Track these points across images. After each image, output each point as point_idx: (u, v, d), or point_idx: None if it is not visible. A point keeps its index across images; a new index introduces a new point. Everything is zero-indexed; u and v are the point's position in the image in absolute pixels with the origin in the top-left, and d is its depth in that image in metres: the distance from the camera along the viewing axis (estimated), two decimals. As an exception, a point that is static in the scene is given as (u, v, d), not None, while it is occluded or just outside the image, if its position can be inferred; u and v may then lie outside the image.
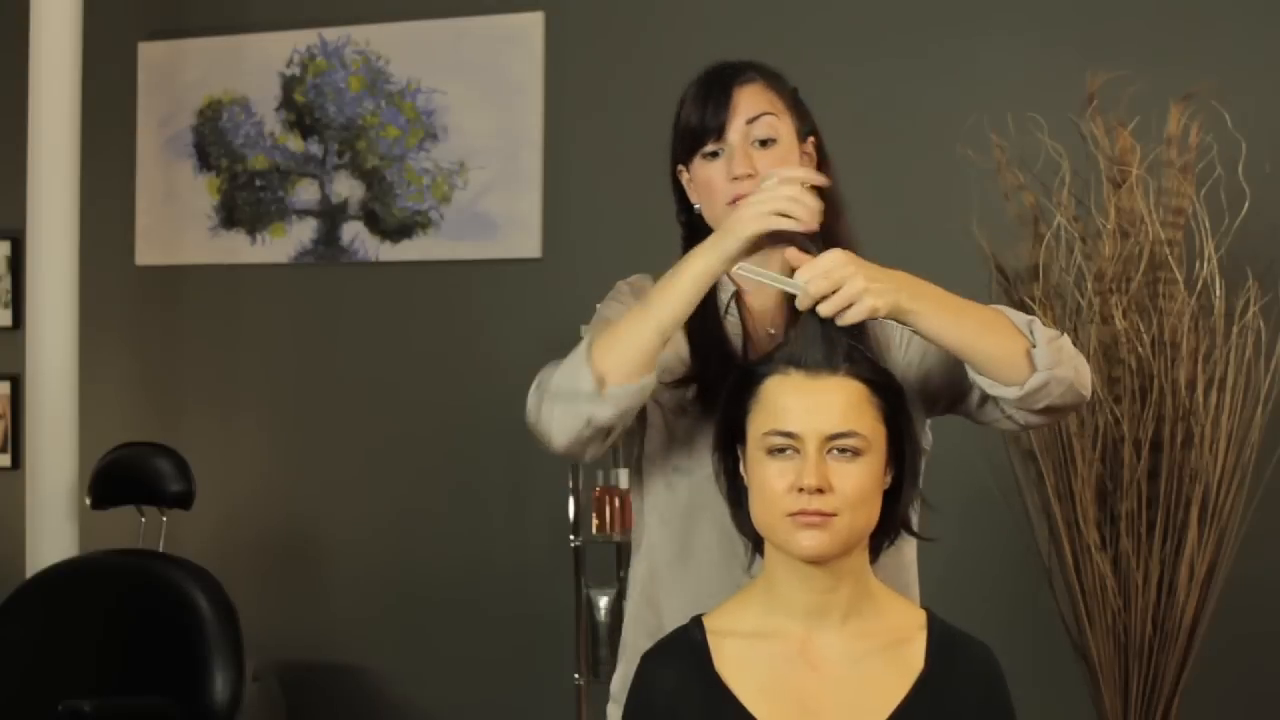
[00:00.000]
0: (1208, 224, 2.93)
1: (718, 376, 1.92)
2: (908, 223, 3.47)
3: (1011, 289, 3.04)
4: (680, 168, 2.06)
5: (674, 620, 1.88)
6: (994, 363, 1.85)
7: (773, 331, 2.02)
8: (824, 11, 3.64)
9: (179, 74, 4.19)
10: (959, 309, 1.85)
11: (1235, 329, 2.91)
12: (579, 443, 1.88)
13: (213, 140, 4.16)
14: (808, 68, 3.73)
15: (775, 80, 2.05)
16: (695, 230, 2.06)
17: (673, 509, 2.02)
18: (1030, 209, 3.04)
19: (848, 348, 1.75)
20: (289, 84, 4.09)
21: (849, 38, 3.62)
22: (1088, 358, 2.91)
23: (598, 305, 2.10)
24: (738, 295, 2.05)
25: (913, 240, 3.42)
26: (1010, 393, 1.85)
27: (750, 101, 2.01)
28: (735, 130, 1.99)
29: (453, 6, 3.94)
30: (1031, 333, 1.88)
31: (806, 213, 1.82)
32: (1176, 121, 2.95)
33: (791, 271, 1.80)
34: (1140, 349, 2.88)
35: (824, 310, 1.75)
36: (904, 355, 2.02)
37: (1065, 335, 1.93)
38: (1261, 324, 2.92)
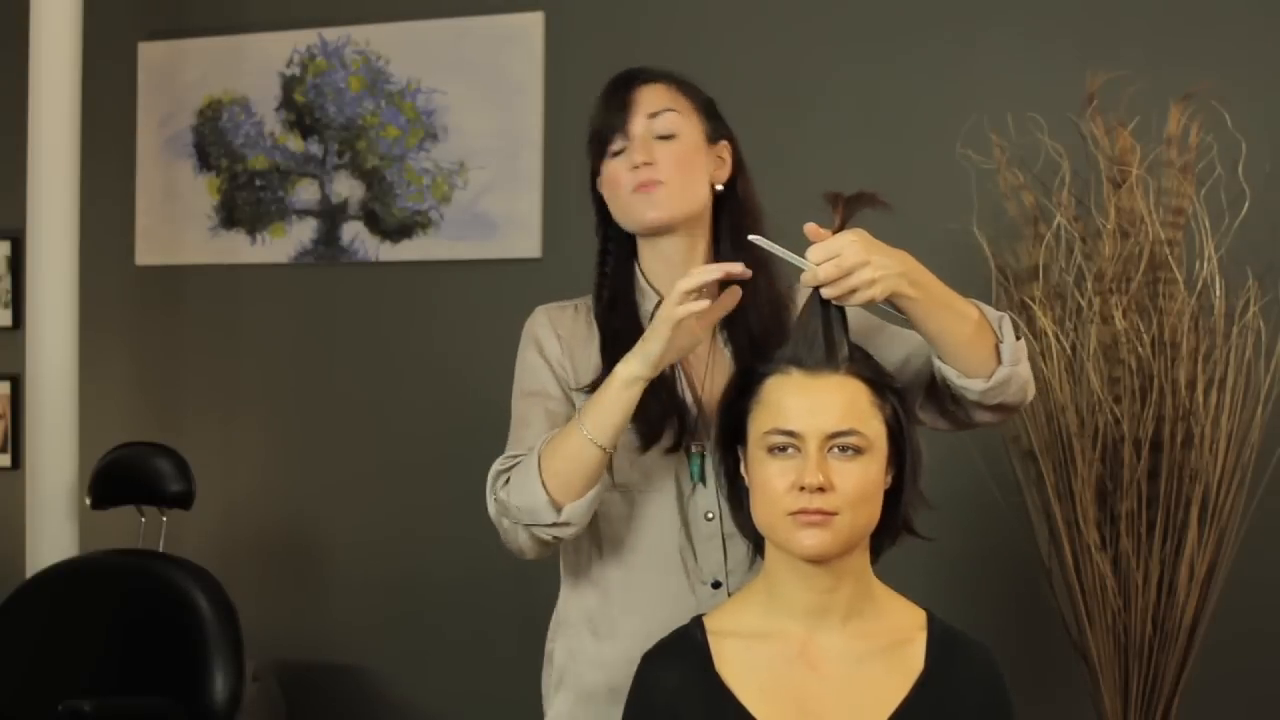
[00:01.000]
0: (1208, 224, 2.93)
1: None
2: (908, 223, 3.46)
3: (1011, 289, 3.04)
4: (598, 179, 2.10)
5: (626, 644, 1.93)
6: (967, 355, 1.88)
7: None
8: (823, 11, 3.64)
9: (179, 74, 4.19)
10: (948, 299, 1.88)
11: (1235, 329, 2.91)
12: (549, 550, 2.06)
13: (213, 140, 4.15)
14: (807, 67, 3.74)
15: (684, 85, 2.10)
16: (612, 242, 2.11)
17: (622, 527, 2.05)
18: (1030, 209, 3.04)
19: (849, 347, 1.76)
20: (289, 84, 4.09)
21: (848, 37, 3.61)
22: (1087, 357, 2.92)
23: (516, 370, 2.13)
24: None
25: (913, 240, 3.42)
26: (976, 384, 1.88)
27: (652, 98, 2.06)
28: (638, 124, 2.04)
29: (453, 6, 3.94)
30: (1000, 328, 1.91)
31: (713, 272, 1.87)
32: (1176, 121, 2.95)
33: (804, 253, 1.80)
34: (1140, 349, 2.88)
35: (828, 294, 1.76)
36: (889, 346, 2.03)
37: (1022, 337, 1.97)
38: (1261, 324, 2.92)
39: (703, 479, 2.02)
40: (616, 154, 2.05)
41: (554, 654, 2.16)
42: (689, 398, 2.04)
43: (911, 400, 1.96)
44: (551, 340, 2.11)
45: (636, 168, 2.02)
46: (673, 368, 2.01)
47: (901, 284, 1.80)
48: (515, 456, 2.03)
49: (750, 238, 1.88)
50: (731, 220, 2.08)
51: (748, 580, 1.91)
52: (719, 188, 2.09)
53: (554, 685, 2.14)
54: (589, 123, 2.09)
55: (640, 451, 2.00)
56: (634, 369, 1.88)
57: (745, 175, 2.11)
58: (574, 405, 2.04)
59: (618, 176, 2.04)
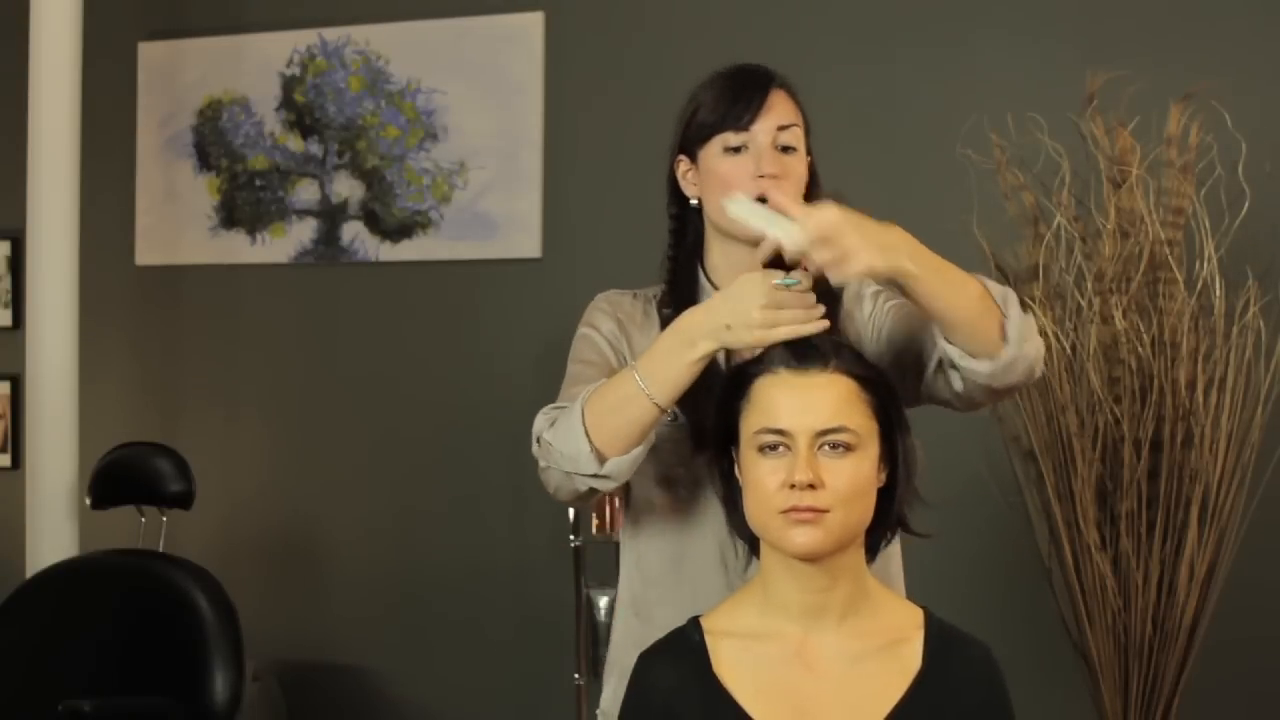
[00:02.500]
0: (1208, 224, 2.93)
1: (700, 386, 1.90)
2: (908, 222, 3.46)
3: (1011, 289, 3.04)
4: (681, 158, 2.04)
5: (658, 634, 1.88)
6: (971, 333, 1.83)
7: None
8: (824, 12, 3.64)
9: (179, 74, 4.19)
10: (951, 276, 1.83)
11: (1235, 329, 2.91)
12: (580, 501, 1.97)
13: (213, 140, 4.15)
14: (808, 67, 3.72)
15: (797, 96, 2.05)
16: (684, 224, 2.05)
17: (666, 519, 2.01)
18: (1030, 209, 3.04)
19: (836, 344, 1.76)
20: (289, 84, 4.09)
21: (849, 37, 3.61)
22: (1087, 357, 2.92)
23: (572, 346, 2.07)
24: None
25: (913, 240, 3.43)
26: (982, 366, 1.83)
27: (784, 107, 2.01)
28: (765, 131, 1.98)
29: (453, 6, 3.94)
30: (1005, 305, 1.86)
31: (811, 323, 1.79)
32: (1176, 121, 2.94)
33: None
34: (1140, 349, 2.88)
35: (815, 262, 1.73)
36: (870, 331, 2.00)
37: (1029, 311, 1.92)
38: (1261, 324, 2.92)
39: None
40: (732, 149, 1.98)
41: (611, 635, 2.13)
42: None
43: (915, 383, 1.93)
44: (609, 321, 2.06)
45: (763, 177, 1.95)
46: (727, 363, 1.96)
47: (903, 262, 1.76)
48: (562, 406, 1.95)
49: (726, 202, 1.84)
50: None
51: None
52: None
53: (608, 668, 2.11)
54: (692, 100, 2.02)
55: (693, 452, 1.95)
56: (707, 345, 1.82)
57: (818, 183, 2.06)
58: None
59: (732, 177, 1.96)
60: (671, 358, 1.83)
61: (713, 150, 1.99)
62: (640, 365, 1.85)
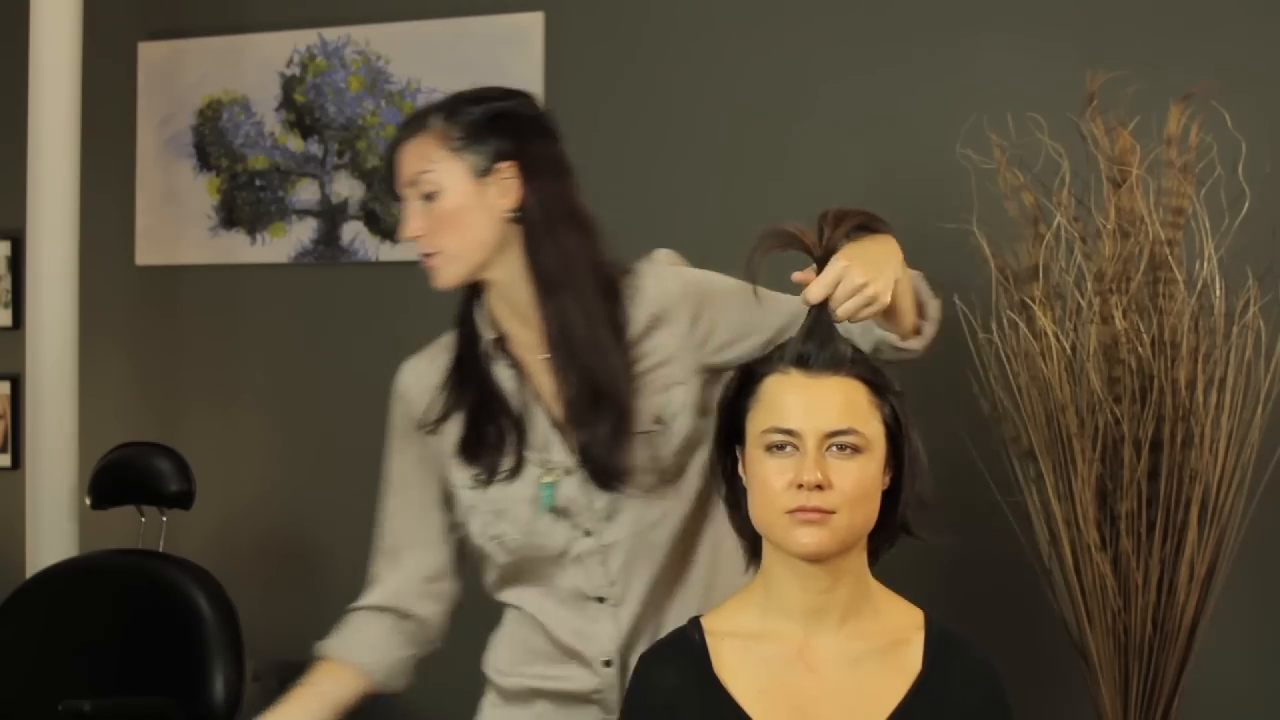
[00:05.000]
0: (1208, 224, 2.93)
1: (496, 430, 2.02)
2: (908, 223, 3.46)
3: (1011, 289, 3.04)
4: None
5: None
6: (905, 320, 1.93)
7: (544, 356, 2.03)
8: (822, 11, 3.64)
9: (179, 74, 4.19)
10: (906, 279, 1.92)
11: (1235, 329, 2.90)
12: None
13: (213, 140, 4.15)
14: (807, 67, 3.73)
15: (450, 118, 2.01)
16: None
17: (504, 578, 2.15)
18: (1030, 209, 3.04)
19: (850, 349, 1.76)
20: (289, 84, 4.09)
21: (848, 38, 3.61)
22: (1087, 357, 2.92)
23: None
24: (500, 340, 2.07)
25: (913, 240, 3.42)
26: (914, 345, 1.95)
27: (408, 161, 2.01)
28: (404, 193, 2.03)
29: (453, 6, 3.94)
30: (920, 280, 1.99)
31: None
32: (1176, 121, 2.94)
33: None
34: (1140, 349, 2.88)
35: (842, 314, 1.77)
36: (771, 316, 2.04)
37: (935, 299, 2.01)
38: (1261, 324, 2.92)
39: (555, 507, 2.04)
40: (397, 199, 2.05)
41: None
42: (545, 419, 2.05)
43: None
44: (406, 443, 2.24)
45: (409, 238, 2.03)
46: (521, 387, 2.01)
47: (895, 270, 1.84)
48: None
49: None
50: (537, 236, 2.02)
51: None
52: (511, 215, 2.02)
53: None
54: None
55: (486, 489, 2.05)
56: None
57: (544, 179, 2.02)
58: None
59: (404, 230, 2.08)
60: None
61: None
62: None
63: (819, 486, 1.67)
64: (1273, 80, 3.27)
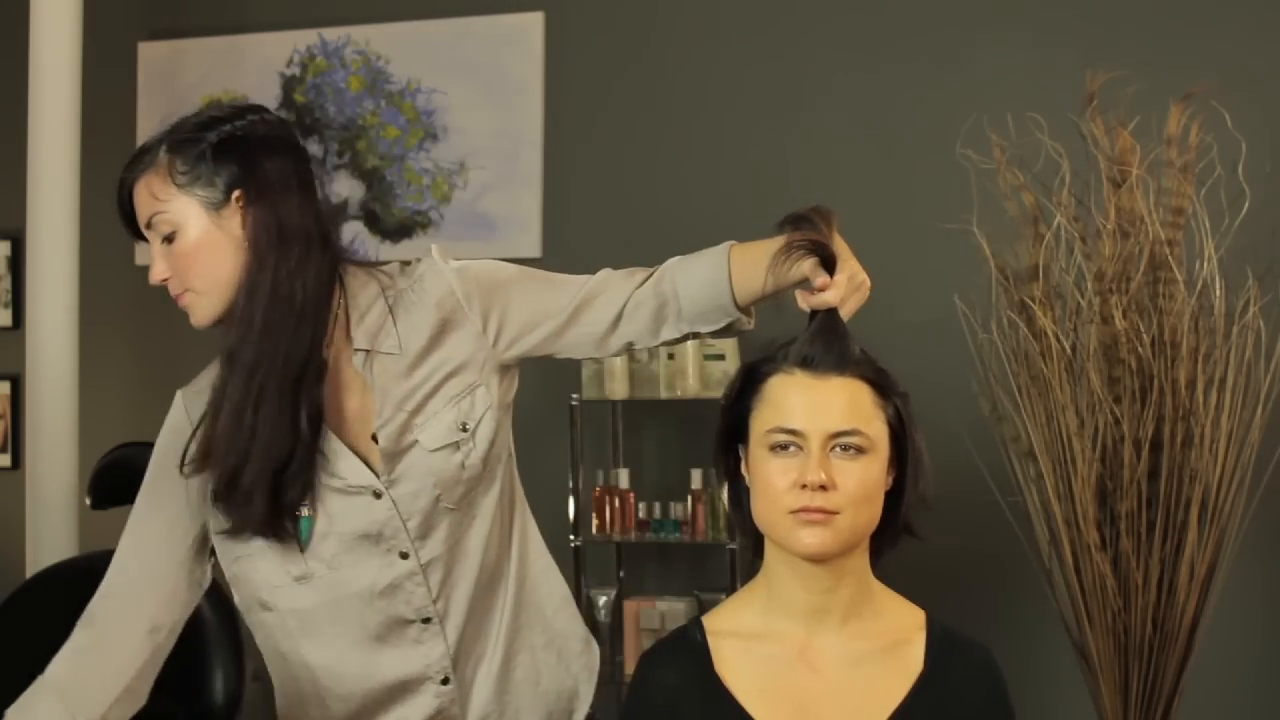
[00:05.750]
0: (1208, 224, 2.93)
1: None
2: (908, 222, 3.47)
3: (1011, 289, 3.04)
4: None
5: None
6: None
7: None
8: (824, 13, 3.64)
9: (179, 74, 4.18)
10: None
11: (1235, 329, 2.91)
12: None
13: (213, 140, 4.15)
14: (808, 68, 3.74)
15: (174, 150, 1.89)
16: None
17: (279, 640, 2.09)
18: (1030, 209, 3.04)
19: (854, 350, 1.76)
20: (289, 84, 4.09)
21: (849, 38, 3.61)
22: (1087, 357, 2.92)
23: None
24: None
25: (913, 240, 3.43)
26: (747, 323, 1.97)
27: (141, 201, 1.91)
28: (146, 234, 1.93)
29: (453, 6, 3.94)
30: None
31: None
32: (1176, 121, 2.95)
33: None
34: (1140, 349, 2.88)
35: (850, 309, 1.79)
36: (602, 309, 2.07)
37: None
38: (1261, 324, 2.92)
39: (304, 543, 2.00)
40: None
41: None
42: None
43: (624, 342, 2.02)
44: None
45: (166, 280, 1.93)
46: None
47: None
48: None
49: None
50: (265, 262, 1.92)
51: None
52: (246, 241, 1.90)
53: None
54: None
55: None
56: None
57: (264, 202, 1.89)
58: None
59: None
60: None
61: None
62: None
63: (823, 487, 1.67)
64: (1273, 80, 3.28)
